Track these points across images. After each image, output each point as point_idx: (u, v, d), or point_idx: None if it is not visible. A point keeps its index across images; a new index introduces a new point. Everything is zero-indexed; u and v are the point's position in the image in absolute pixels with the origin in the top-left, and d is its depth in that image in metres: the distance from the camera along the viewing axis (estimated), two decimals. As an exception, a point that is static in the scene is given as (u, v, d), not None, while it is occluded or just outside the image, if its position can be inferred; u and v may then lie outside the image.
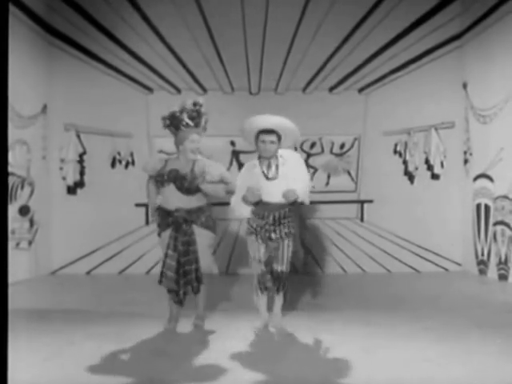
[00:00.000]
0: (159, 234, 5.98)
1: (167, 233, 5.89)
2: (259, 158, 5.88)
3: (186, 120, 5.86)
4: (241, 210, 5.91)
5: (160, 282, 5.89)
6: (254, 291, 5.92)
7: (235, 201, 5.92)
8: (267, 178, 5.77)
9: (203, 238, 5.89)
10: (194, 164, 5.89)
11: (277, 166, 5.80)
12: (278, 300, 5.93)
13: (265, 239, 5.79)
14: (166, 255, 5.86)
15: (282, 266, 5.82)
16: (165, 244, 5.89)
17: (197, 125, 5.89)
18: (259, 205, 5.79)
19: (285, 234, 5.80)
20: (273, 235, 5.79)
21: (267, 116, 5.83)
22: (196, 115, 5.89)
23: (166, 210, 5.90)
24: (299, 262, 5.97)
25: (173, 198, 5.87)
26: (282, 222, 5.80)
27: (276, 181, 5.75)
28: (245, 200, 5.78)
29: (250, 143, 5.97)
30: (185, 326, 5.95)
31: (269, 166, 5.81)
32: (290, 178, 5.74)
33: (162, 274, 5.87)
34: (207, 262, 5.93)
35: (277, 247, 5.81)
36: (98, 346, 5.25)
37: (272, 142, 5.75)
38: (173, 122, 5.92)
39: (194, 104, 5.92)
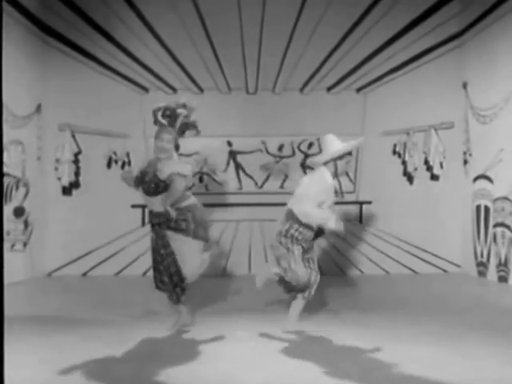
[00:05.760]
0: None
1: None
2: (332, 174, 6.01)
3: (159, 118, 5.88)
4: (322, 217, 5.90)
5: (156, 286, 5.98)
6: (294, 296, 5.99)
7: (311, 207, 5.88)
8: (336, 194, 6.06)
9: (179, 243, 5.83)
10: (157, 163, 5.85)
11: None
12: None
13: (308, 248, 5.99)
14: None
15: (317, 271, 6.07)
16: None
17: (170, 124, 5.86)
18: None
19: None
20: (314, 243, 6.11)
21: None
22: (169, 114, 5.86)
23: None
24: None
25: (147, 200, 5.96)
26: None
27: None
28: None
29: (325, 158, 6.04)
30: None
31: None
32: None
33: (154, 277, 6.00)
34: (190, 268, 5.88)
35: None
36: (95, 349, 5.20)
37: None
38: (154, 120, 5.96)
39: (177, 104, 5.91)
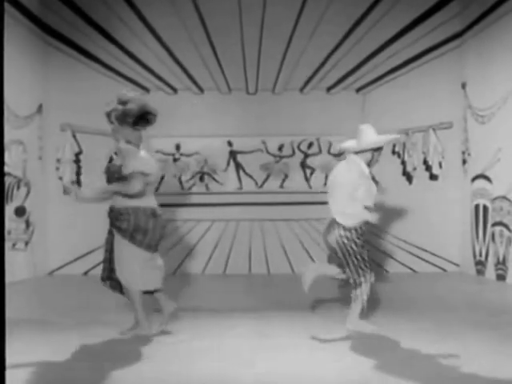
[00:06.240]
0: None
1: None
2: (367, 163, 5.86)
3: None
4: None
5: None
6: (367, 295, 5.82)
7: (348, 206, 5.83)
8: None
9: (122, 246, 5.70)
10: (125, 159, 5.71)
11: None
12: None
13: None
14: None
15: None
16: None
17: (111, 123, 5.81)
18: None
19: None
20: None
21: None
22: (107, 114, 5.85)
23: None
24: None
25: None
26: None
27: None
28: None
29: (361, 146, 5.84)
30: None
31: None
32: None
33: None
34: (128, 275, 5.67)
35: None
36: (95, 348, 5.23)
37: None
38: None
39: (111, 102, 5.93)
